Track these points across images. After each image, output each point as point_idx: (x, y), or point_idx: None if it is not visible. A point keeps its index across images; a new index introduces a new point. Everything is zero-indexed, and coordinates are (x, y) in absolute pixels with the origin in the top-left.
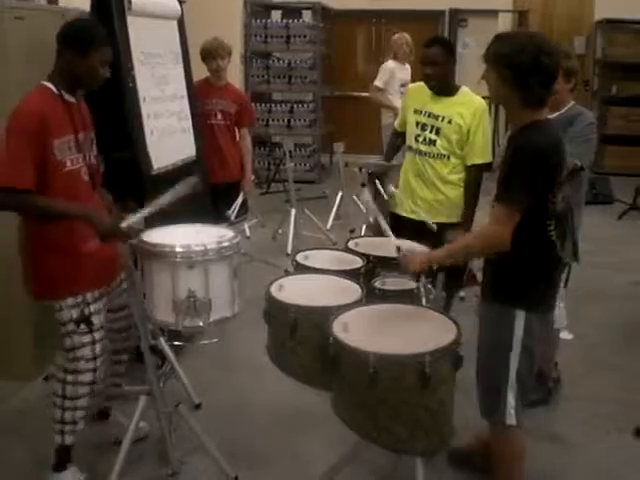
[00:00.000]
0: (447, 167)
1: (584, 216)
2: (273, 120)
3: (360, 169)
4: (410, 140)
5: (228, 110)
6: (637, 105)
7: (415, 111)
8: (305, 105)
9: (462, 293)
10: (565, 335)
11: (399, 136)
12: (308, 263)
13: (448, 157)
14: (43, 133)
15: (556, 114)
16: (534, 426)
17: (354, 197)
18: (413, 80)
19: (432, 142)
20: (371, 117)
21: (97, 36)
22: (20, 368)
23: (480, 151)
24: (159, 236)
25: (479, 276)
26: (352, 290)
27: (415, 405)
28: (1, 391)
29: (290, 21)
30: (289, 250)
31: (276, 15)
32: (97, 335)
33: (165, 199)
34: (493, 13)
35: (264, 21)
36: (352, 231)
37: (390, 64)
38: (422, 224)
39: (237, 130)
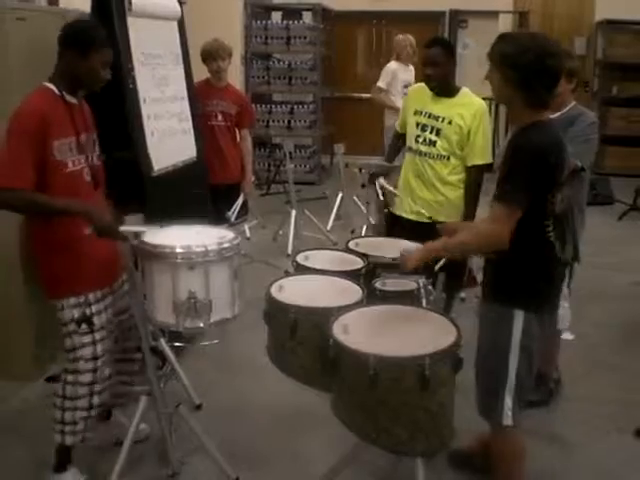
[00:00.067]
0: (447, 168)
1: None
2: (273, 121)
3: (360, 170)
4: (410, 141)
5: (228, 111)
6: (637, 106)
7: (415, 112)
8: (305, 106)
9: (463, 294)
10: (566, 336)
11: (400, 137)
12: (308, 264)
13: (448, 158)
14: (43, 134)
15: (557, 114)
16: (534, 426)
17: (354, 198)
18: (416, 81)
19: (432, 143)
20: (371, 118)
21: (97, 37)
22: (20, 368)
23: (480, 152)
24: (159, 237)
25: (479, 277)
26: (352, 291)
27: (415, 407)
28: (1, 391)
29: (290, 22)
30: (289, 251)
31: (276, 16)
32: (98, 335)
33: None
34: (493, 14)
35: (264, 22)
36: (352, 232)
37: (393, 65)
38: (421, 225)
39: (237, 131)
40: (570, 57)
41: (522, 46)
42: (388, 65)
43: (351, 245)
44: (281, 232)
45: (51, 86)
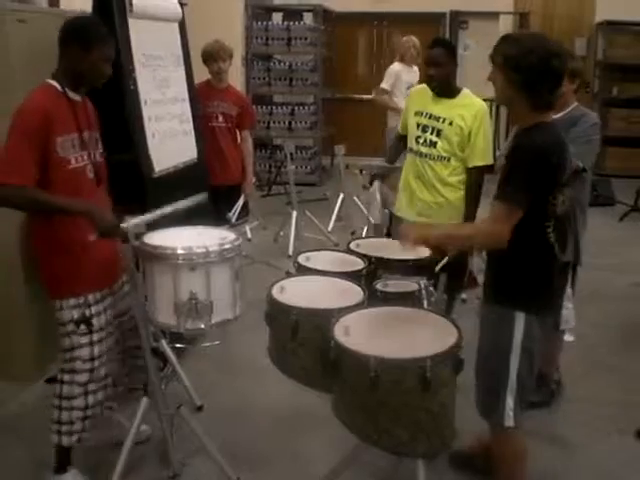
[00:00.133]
0: (447, 169)
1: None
2: (274, 122)
3: (361, 171)
4: (411, 142)
5: (229, 112)
6: (638, 107)
7: (416, 113)
8: (306, 107)
9: (464, 295)
10: (567, 337)
11: (402, 139)
12: (309, 265)
13: (448, 159)
14: (46, 131)
15: (560, 114)
16: (535, 427)
17: (355, 199)
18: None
19: (433, 144)
20: (372, 119)
21: (99, 32)
22: (21, 369)
23: (481, 153)
24: (160, 238)
25: (479, 279)
26: (354, 292)
27: (416, 408)
28: (1, 393)
29: (291, 23)
30: (290, 252)
31: (277, 17)
32: (96, 337)
33: (168, 209)
34: (494, 15)
35: (265, 23)
36: (352, 233)
37: (396, 66)
38: None
39: (238, 132)
40: (573, 57)
41: (525, 48)
42: (392, 66)
43: (352, 246)
44: (282, 233)
45: (54, 83)
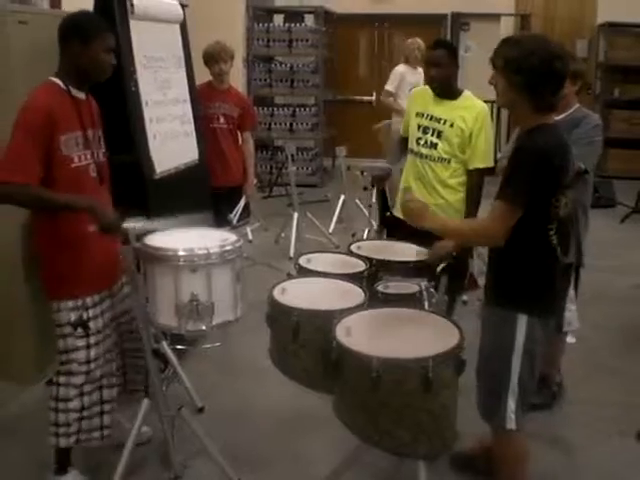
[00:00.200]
0: (447, 171)
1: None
2: (275, 124)
3: (362, 173)
4: (411, 143)
5: (230, 114)
6: (639, 108)
7: (417, 114)
8: (307, 109)
9: (465, 297)
10: (569, 339)
11: (404, 140)
12: (311, 266)
13: (449, 161)
14: (49, 129)
15: (562, 116)
16: (537, 429)
17: (356, 200)
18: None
19: (433, 145)
20: (374, 121)
21: (96, 24)
22: (21, 371)
23: (482, 155)
24: (162, 240)
25: (480, 280)
26: (355, 294)
27: (418, 409)
28: (1, 393)
29: (292, 25)
30: (291, 253)
31: (278, 19)
32: (93, 339)
33: (170, 224)
34: (495, 17)
35: (266, 25)
36: (353, 235)
37: (400, 68)
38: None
39: (239, 134)
40: (574, 59)
41: (526, 50)
42: (396, 68)
43: (353, 248)
44: (283, 235)
45: (57, 80)
